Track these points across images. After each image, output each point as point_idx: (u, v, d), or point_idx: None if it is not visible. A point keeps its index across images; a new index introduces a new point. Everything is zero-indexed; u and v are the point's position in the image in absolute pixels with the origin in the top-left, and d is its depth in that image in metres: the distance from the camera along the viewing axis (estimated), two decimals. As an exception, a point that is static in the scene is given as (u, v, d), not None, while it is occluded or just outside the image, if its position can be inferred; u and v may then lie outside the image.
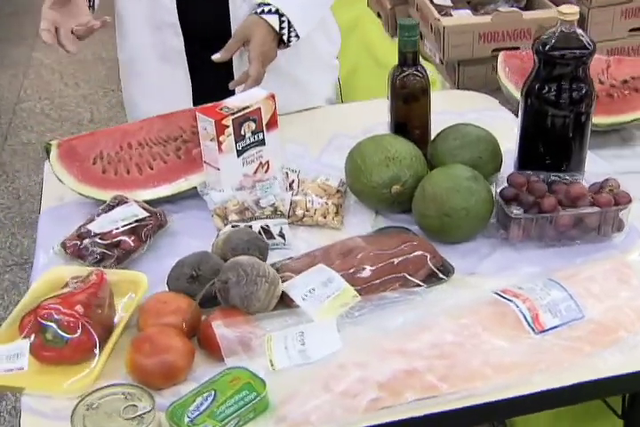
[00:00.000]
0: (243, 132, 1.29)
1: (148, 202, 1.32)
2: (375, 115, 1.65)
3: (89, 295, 1.07)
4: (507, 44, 1.75)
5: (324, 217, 1.30)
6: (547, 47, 1.24)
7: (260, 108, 1.30)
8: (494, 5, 1.89)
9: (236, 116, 1.27)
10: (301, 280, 1.13)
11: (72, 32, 1.33)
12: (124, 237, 1.22)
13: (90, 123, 3.51)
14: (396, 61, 2.25)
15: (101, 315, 1.08)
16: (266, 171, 1.36)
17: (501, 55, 1.67)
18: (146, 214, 1.27)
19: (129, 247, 1.22)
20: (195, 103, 1.64)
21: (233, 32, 1.54)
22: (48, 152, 1.35)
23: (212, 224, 1.32)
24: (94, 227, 1.24)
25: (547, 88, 1.26)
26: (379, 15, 2.27)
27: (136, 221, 1.25)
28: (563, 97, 1.26)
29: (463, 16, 1.81)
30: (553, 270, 1.16)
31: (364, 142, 1.33)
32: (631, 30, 1.82)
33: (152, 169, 1.36)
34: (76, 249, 1.21)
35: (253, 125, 1.30)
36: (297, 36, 1.47)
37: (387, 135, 1.35)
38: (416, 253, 1.16)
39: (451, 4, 1.91)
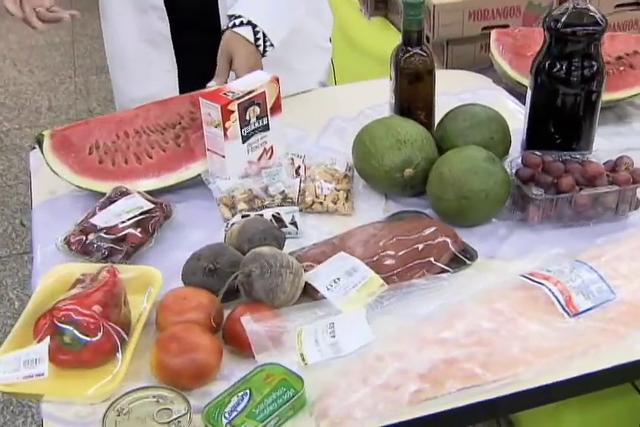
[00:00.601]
0: (248, 117, 1.24)
1: (149, 193, 1.27)
2: (368, 97, 1.62)
3: (105, 294, 1.02)
4: (497, 21, 1.73)
5: (335, 203, 1.26)
6: (558, 24, 1.21)
7: (264, 92, 1.25)
8: (479, -18, 1.86)
9: (241, 100, 1.21)
10: (324, 270, 1.09)
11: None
12: (131, 231, 1.17)
13: (49, 111, 3.40)
14: (372, 43, 2.24)
15: (119, 314, 1.02)
16: (270, 157, 1.32)
17: (494, 33, 1.64)
18: (151, 206, 1.21)
19: (137, 241, 1.16)
20: (181, 89, 1.58)
21: (220, 16, 1.49)
22: (40, 143, 1.28)
23: (218, 214, 1.27)
24: (98, 221, 1.18)
25: (558, 66, 1.24)
26: (355, -6, 2.23)
27: (141, 213, 1.19)
28: (574, 75, 1.24)
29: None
30: (576, 251, 1.14)
31: (373, 125, 1.29)
32: (617, 6, 1.81)
33: (151, 158, 1.29)
34: (81, 245, 1.15)
35: (258, 110, 1.25)
36: (271, 45, 1.43)
37: (395, 117, 1.32)
38: (439, 239, 1.14)
39: (434, -18, 1.87)
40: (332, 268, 1.09)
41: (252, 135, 1.26)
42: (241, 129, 1.24)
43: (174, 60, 1.56)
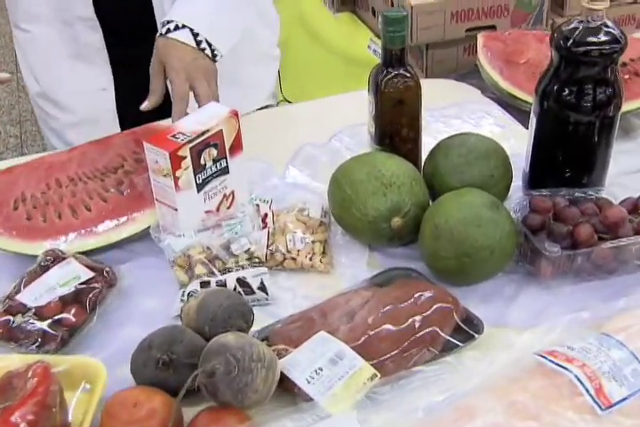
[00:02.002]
0: (203, 162, 1.04)
1: (89, 252, 1.07)
2: (336, 115, 1.42)
3: (35, 406, 0.81)
4: (482, 22, 1.53)
5: (310, 259, 1.07)
6: (569, 42, 1.02)
7: (221, 131, 1.04)
8: (459, -24, 1.65)
9: (194, 143, 1.01)
10: (303, 356, 0.90)
11: None
12: (68, 311, 0.96)
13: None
14: (339, 40, 2.03)
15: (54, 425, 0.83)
16: (230, 204, 1.11)
17: (481, 38, 1.45)
18: (90, 274, 1.00)
19: (74, 324, 0.96)
20: (119, 110, 1.38)
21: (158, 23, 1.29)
22: (-47, 198, 1.07)
23: (171, 275, 1.07)
24: (27, 298, 0.97)
25: (567, 90, 1.05)
26: (318, -14, 2.01)
27: (79, 284, 0.99)
28: (587, 100, 1.05)
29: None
30: (598, 317, 0.97)
31: (351, 165, 1.09)
32: (613, 0, 1.62)
33: (90, 211, 1.09)
34: (6, 330, 0.95)
35: (215, 152, 1.05)
36: (219, 55, 1.22)
37: (377, 154, 1.12)
38: (436, 307, 0.95)
39: (409, -25, 1.66)
40: (312, 354, 0.90)
41: (209, 182, 1.06)
42: (195, 176, 1.03)
43: (111, 76, 1.36)
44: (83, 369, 0.90)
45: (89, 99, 1.37)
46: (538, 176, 1.14)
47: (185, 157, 1.00)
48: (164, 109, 1.33)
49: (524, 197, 1.08)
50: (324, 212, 1.13)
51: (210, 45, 1.19)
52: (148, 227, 1.09)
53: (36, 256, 1.05)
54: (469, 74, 1.58)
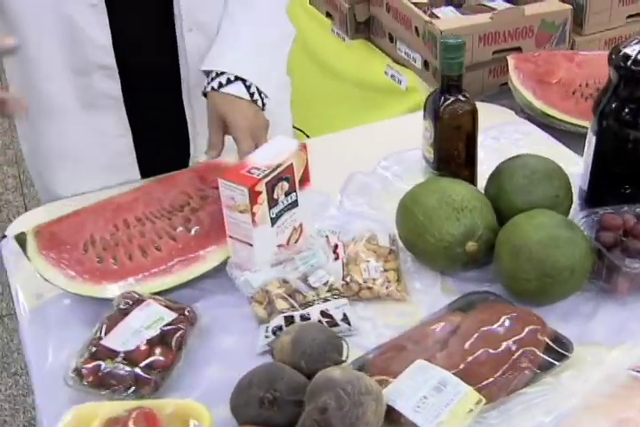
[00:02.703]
0: (276, 196, 1.04)
1: (159, 293, 1.06)
2: (377, 143, 1.43)
3: (149, 454, 0.81)
4: (507, 44, 1.55)
5: (386, 287, 1.07)
6: (629, 62, 1.05)
7: (292, 164, 1.04)
8: (476, -1, 1.69)
9: (269, 178, 1.01)
10: (405, 386, 0.90)
11: None
12: (156, 354, 0.95)
13: None
14: (354, 69, 2.04)
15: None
16: (298, 237, 1.11)
17: (512, 59, 1.47)
18: (173, 315, 0.99)
19: (165, 366, 0.95)
20: (138, 155, 1.35)
21: (181, 70, 1.28)
22: (22, 244, 1.05)
23: (246, 311, 1.06)
24: (114, 343, 0.95)
25: (627, 109, 1.07)
26: (328, 15, 2.02)
27: (163, 325, 0.98)
28: (646, 117, 1.08)
29: (453, 16, 1.60)
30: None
31: (420, 192, 1.10)
32: (629, 17, 1.66)
33: (160, 250, 1.08)
34: (97, 377, 0.93)
35: (286, 186, 1.05)
36: (266, 96, 1.24)
37: (441, 179, 1.13)
38: (529, 329, 0.95)
39: (425, 1, 1.69)
40: (414, 383, 0.90)
41: (281, 215, 1.06)
42: (269, 211, 1.03)
43: (127, 125, 1.31)
44: (185, 412, 0.89)
45: (105, 147, 1.32)
46: (597, 194, 1.15)
47: (261, 192, 1.00)
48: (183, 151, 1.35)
49: (589, 215, 1.10)
50: (391, 239, 1.13)
51: (260, 93, 1.21)
52: (219, 264, 1.09)
53: (109, 299, 1.04)
54: (497, 95, 1.61)
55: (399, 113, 1.79)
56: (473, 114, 1.15)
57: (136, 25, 1.23)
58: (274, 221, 1.05)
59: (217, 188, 1.13)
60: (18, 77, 1.26)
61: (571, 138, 1.43)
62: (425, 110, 1.17)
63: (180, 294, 1.09)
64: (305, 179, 1.08)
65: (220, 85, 1.18)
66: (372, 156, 1.38)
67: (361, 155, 1.40)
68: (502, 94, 1.59)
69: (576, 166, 1.23)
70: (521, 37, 1.55)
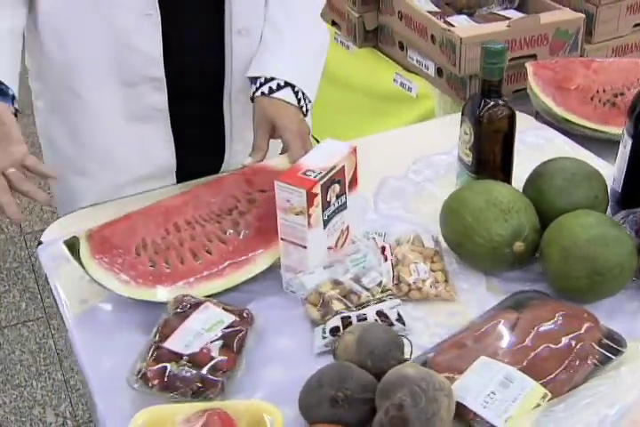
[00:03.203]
0: (329, 198, 1.05)
1: (209, 296, 1.06)
2: (401, 148, 1.45)
3: (232, 453, 0.81)
4: (523, 51, 1.59)
5: (435, 288, 1.09)
6: (667, 66, 1.09)
7: (343, 167, 1.06)
8: (487, 8, 1.72)
9: (324, 180, 1.02)
10: (471, 382, 0.91)
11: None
12: (220, 356, 0.95)
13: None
14: (362, 77, 2.06)
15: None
16: (345, 239, 1.13)
17: (530, 66, 1.51)
18: (232, 318, 1.00)
19: (229, 368, 0.95)
20: (178, 168, 1.35)
21: (225, 80, 1.29)
22: (74, 248, 1.04)
23: (297, 313, 1.08)
24: (176, 345, 0.96)
25: (664, 111, 1.11)
26: (333, 23, 2.04)
27: (224, 328, 0.98)
28: (682, 119, 1.11)
29: (469, 25, 1.63)
30: None
31: (466, 194, 1.12)
32: (635, 25, 1.71)
33: (210, 253, 1.08)
34: (163, 380, 0.93)
35: (338, 188, 1.06)
36: (310, 101, 1.26)
37: (486, 182, 1.15)
38: (587, 325, 0.98)
39: (439, 10, 1.72)
40: (480, 379, 0.91)
41: (332, 218, 1.07)
42: (322, 213, 1.04)
43: (171, 136, 1.31)
44: (254, 412, 0.89)
45: (147, 158, 1.32)
46: (631, 195, 1.19)
47: (317, 195, 1.01)
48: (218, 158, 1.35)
49: (628, 214, 1.13)
50: (434, 241, 1.15)
51: (305, 99, 1.23)
52: (269, 267, 1.10)
53: (162, 303, 1.05)
54: (511, 102, 1.64)
55: (411, 120, 1.82)
56: (511, 118, 1.17)
57: (187, 34, 1.23)
58: (325, 223, 1.06)
59: (264, 191, 1.15)
60: (63, 86, 1.25)
61: (588, 143, 1.47)
62: (463, 114, 1.19)
63: (230, 297, 1.09)
64: (353, 181, 1.10)
65: (271, 91, 1.19)
66: (396, 161, 1.40)
67: (387, 160, 1.41)
68: (517, 100, 1.62)
69: (601, 170, 1.26)
70: (536, 45, 1.59)
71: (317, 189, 1.01)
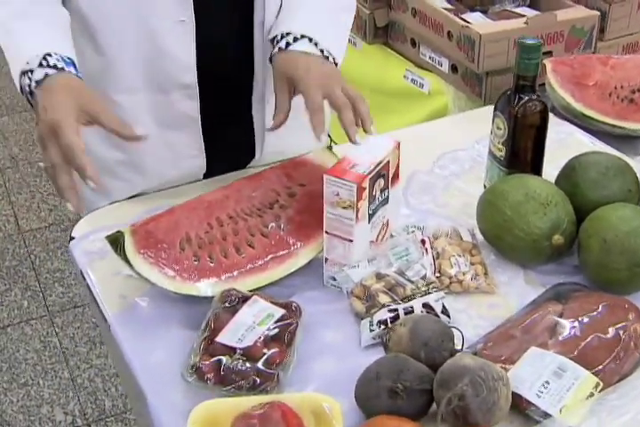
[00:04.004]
0: (374, 193, 1.06)
1: (252, 290, 1.06)
2: (427, 143, 1.45)
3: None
4: (539, 48, 1.60)
5: (476, 280, 1.10)
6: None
7: (388, 162, 1.07)
8: (500, 5, 1.74)
9: (372, 174, 1.03)
10: (524, 372, 0.93)
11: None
12: (271, 349, 0.96)
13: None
14: (371, 73, 2.06)
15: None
16: (384, 233, 1.13)
17: (549, 63, 1.52)
18: (281, 311, 1.00)
19: (283, 361, 0.95)
20: (207, 171, 1.33)
21: (255, 81, 1.27)
22: (119, 243, 1.04)
23: (341, 306, 1.08)
24: (229, 339, 0.96)
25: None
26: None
27: (275, 321, 0.99)
28: None
29: (484, 22, 1.65)
30: None
31: (503, 187, 1.13)
32: None
33: (253, 247, 1.08)
34: (218, 374, 0.93)
35: (382, 182, 1.07)
36: (335, 60, 1.20)
37: (523, 176, 1.16)
38: (632, 316, 1.00)
39: (452, 7, 1.74)
40: (533, 369, 0.93)
41: (376, 212, 1.08)
42: (368, 207, 1.05)
43: (202, 143, 1.29)
44: (313, 404, 0.90)
45: (178, 164, 1.30)
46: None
47: (365, 188, 1.02)
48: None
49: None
50: (471, 234, 1.16)
51: (330, 55, 1.17)
52: (310, 260, 1.10)
53: (206, 297, 1.05)
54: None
55: (423, 116, 1.83)
56: (545, 113, 1.19)
57: (217, 38, 1.21)
58: (370, 217, 1.07)
59: (303, 185, 1.15)
60: (97, 89, 1.19)
61: (605, 138, 1.49)
62: (496, 110, 1.21)
63: (271, 291, 1.09)
64: (395, 176, 1.11)
65: (288, 44, 1.14)
66: (421, 156, 1.40)
67: (411, 155, 1.42)
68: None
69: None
70: (552, 42, 1.61)
71: (366, 183, 1.02)
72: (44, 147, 0.99)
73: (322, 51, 1.16)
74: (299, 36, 1.16)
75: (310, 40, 1.16)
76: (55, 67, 1.04)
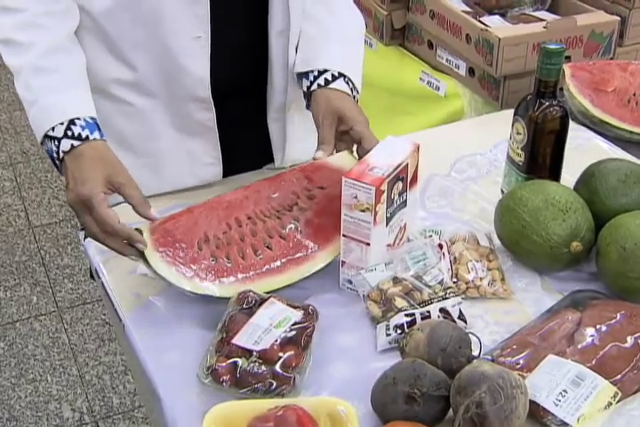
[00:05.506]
0: (392, 196, 1.05)
1: (268, 292, 1.06)
2: (444, 146, 1.45)
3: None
4: (558, 53, 1.59)
5: (492, 286, 1.09)
6: None
7: (407, 165, 1.06)
8: (519, 9, 1.73)
9: (390, 177, 1.02)
10: (541, 380, 0.92)
11: None
12: (287, 352, 0.95)
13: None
14: (388, 75, 2.05)
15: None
16: (402, 236, 1.13)
17: (568, 68, 1.52)
18: (298, 314, 1.00)
19: (299, 364, 0.95)
20: (224, 177, 1.34)
21: (268, 93, 1.29)
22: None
23: (356, 309, 1.08)
24: (245, 341, 0.95)
25: None
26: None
27: (292, 324, 0.98)
28: None
29: (503, 25, 1.64)
30: None
31: (522, 193, 1.12)
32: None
33: (271, 249, 1.08)
34: (234, 376, 0.93)
35: (401, 185, 1.06)
36: (358, 92, 1.25)
37: (543, 182, 1.16)
38: (647, 325, 0.99)
39: (470, 10, 1.73)
40: (551, 377, 0.92)
41: (394, 215, 1.07)
42: (386, 210, 1.05)
43: (219, 151, 1.30)
44: (329, 408, 0.90)
45: (195, 172, 1.31)
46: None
47: (384, 191, 1.02)
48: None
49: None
50: (488, 239, 1.16)
51: (355, 89, 1.22)
52: (328, 264, 1.10)
53: (221, 297, 1.04)
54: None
55: (438, 119, 1.83)
56: (565, 119, 1.18)
57: (233, 52, 1.23)
58: (388, 220, 1.06)
59: (323, 188, 1.15)
60: (117, 92, 1.24)
61: (625, 145, 1.48)
62: (516, 114, 1.20)
63: (286, 293, 1.09)
64: (414, 179, 1.10)
65: (327, 82, 1.18)
66: (438, 159, 1.40)
67: (428, 159, 1.41)
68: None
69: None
70: (571, 47, 1.60)
71: (384, 186, 1.02)
72: (77, 215, 1.06)
73: (352, 90, 1.22)
74: (337, 75, 1.21)
75: (344, 78, 1.22)
76: (80, 137, 1.07)
